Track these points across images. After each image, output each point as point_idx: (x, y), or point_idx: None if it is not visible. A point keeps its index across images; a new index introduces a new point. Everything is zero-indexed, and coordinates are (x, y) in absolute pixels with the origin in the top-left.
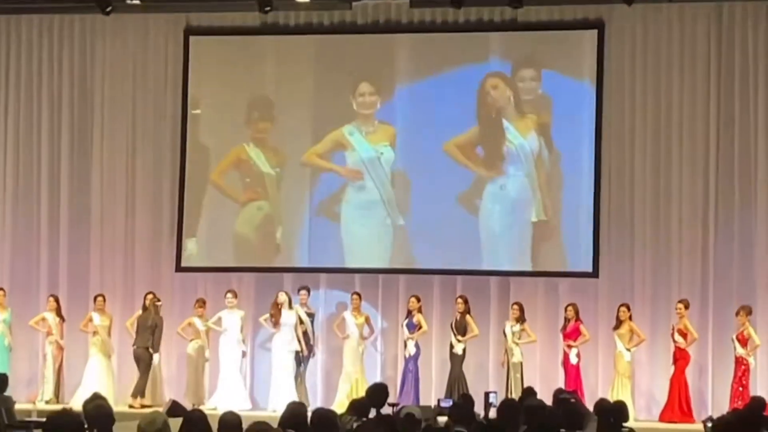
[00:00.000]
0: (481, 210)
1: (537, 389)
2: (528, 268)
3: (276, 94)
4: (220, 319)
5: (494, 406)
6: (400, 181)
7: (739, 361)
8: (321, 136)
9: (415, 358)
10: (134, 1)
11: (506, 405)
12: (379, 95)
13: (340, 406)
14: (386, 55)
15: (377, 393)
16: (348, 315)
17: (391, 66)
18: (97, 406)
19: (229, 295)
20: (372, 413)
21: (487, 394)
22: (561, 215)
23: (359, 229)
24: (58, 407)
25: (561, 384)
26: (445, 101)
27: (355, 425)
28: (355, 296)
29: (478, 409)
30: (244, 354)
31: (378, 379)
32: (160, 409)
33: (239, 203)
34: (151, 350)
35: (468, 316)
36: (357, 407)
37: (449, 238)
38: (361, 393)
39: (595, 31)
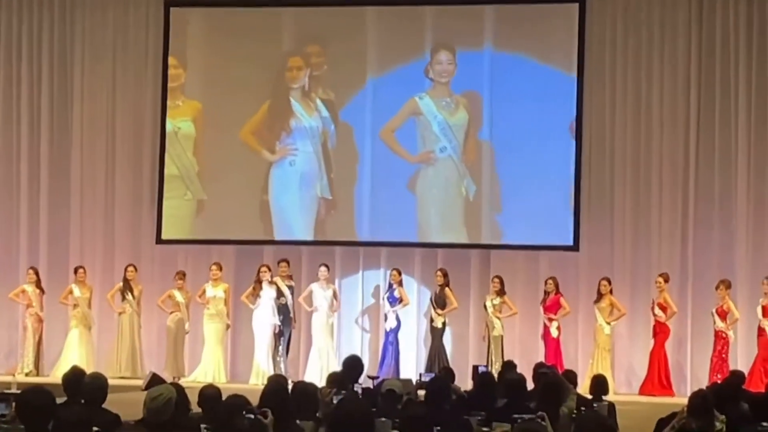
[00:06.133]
0: (272, 185)
1: (517, 362)
2: (311, 237)
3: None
4: (204, 291)
5: None
6: (202, 157)
7: (719, 335)
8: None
9: (396, 331)
10: None
11: (482, 378)
12: (185, 69)
13: (310, 379)
14: (185, 28)
15: (352, 366)
16: (316, 287)
17: (194, 39)
18: (95, 376)
19: (213, 267)
20: (351, 386)
21: (476, 368)
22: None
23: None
24: (38, 380)
25: (541, 357)
26: (244, 78)
27: (335, 398)
28: (323, 267)
29: (461, 381)
30: (227, 327)
31: (358, 352)
32: (140, 382)
33: None
34: None
35: (447, 289)
36: (335, 380)
37: (241, 212)
38: (332, 365)
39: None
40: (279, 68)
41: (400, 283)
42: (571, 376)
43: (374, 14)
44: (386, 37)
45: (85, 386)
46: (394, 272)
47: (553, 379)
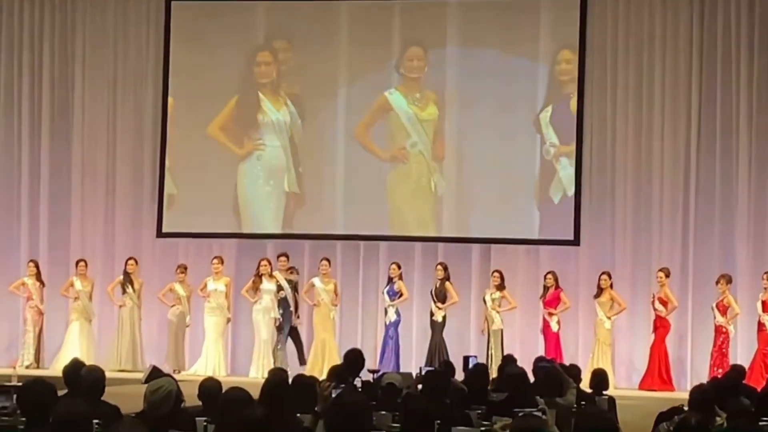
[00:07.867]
0: (240, 180)
1: (517, 356)
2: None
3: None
4: (206, 285)
5: None
6: (173, 151)
7: (719, 330)
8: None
9: (396, 324)
10: None
11: (475, 370)
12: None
13: (311, 372)
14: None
15: (353, 359)
16: (317, 281)
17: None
18: (92, 369)
19: (215, 261)
20: (351, 380)
21: (466, 359)
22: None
23: None
24: (38, 372)
25: (541, 351)
26: (214, 72)
27: (333, 392)
28: (324, 262)
29: (461, 375)
30: (228, 320)
31: (359, 345)
32: (140, 375)
33: None
34: None
35: (447, 283)
36: (336, 374)
37: (211, 206)
38: (334, 359)
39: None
40: (248, 63)
41: (400, 277)
42: (575, 371)
43: (345, 9)
44: (357, 32)
45: (81, 379)
46: (394, 266)
47: (551, 371)
